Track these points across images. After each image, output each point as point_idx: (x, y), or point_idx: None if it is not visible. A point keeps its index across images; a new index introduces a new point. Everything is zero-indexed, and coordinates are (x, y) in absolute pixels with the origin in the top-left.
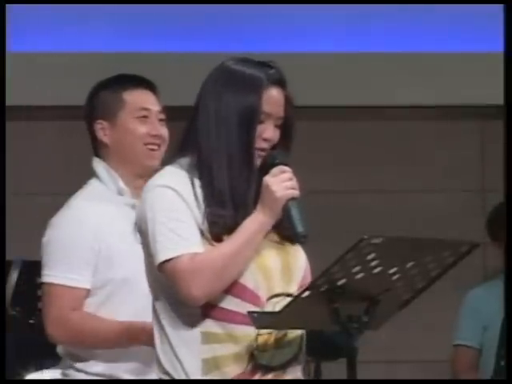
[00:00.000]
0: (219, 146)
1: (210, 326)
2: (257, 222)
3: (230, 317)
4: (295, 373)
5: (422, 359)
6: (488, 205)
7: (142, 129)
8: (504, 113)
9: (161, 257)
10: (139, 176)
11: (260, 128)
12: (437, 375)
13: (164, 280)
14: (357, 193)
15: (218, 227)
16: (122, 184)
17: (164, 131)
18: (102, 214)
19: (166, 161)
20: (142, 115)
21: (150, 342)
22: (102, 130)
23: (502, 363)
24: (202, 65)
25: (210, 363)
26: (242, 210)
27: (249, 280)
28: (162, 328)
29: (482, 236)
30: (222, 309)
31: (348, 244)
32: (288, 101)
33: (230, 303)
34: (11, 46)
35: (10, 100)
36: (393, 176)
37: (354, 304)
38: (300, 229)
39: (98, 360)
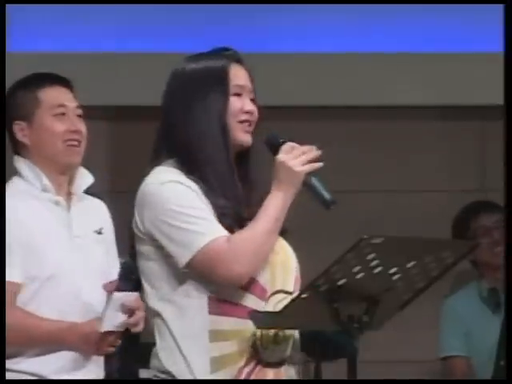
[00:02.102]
0: (199, 142)
1: (217, 323)
2: (280, 198)
3: (239, 311)
4: (289, 371)
5: (422, 359)
6: None
7: (60, 126)
8: (504, 113)
9: (196, 245)
10: (61, 173)
11: (239, 101)
12: (437, 375)
13: (177, 276)
14: (357, 193)
15: (228, 218)
16: (46, 181)
17: (82, 127)
18: (27, 211)
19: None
20: (59, 112)
21: (81, 345)
22: (21, 131)
23: (502, 363)
24: None
25: (219, 361)
26: (233, 198)
27: (259, 274)
28: (165, 326)
29: None
30: (232, 303)
31: (348, 244)
32: (249, 77)
33: (241, 297)
34: (11, 46)
35: None
36: (393, 176)
37: (354, 304)
38: (327, 196)
39: (23, 357)
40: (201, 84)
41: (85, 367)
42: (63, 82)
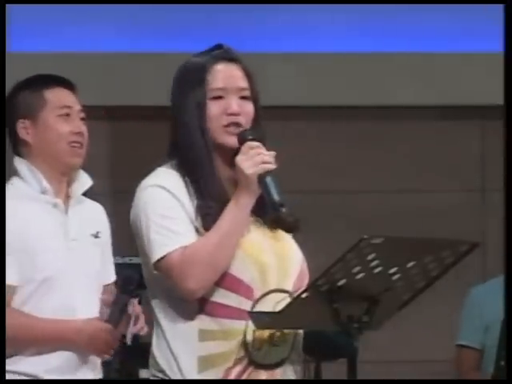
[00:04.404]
0: (185, 141)
1: (207, 323)
2: (237, 204)
3: (226, 312)
4: (286, 372)
5: (422, 359)
6: (488, 205)
7: (65, 127)
8: (504, 113)
9: (154, 255)
10: (62, 174)
11: (222, 104)
12: (437, 375)
13: (161, 277)
14: (357, 193)
15: (210, 219)
16: (45, 183)
17: (85, 129)
18: (24, 213)
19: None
20: (64, 113)
21: (83, 345)
22: (25, 129)
23: (502, 363)
24: None
25: (206, 361)
26: (220, 198)
27: (244, 274)
28: (158, 325)
29: (482, 236)
30: (219, 304)
31: (348, 244)
32: (245, 74)
33: (226, 298)
34: (11, 46)
35: None
36: (393, 176)
37: (354, 304)
38: (276, 198)
39: (20, 357)
40: (184, 85)
41: (81, 368)
42: (68, 84)
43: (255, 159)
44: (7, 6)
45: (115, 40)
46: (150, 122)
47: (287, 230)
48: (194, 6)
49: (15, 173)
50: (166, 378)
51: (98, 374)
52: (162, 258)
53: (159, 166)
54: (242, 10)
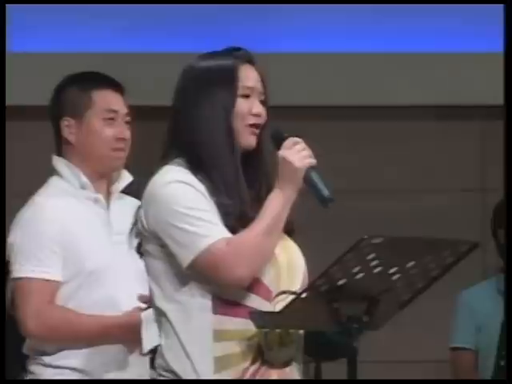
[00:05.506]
0: (205, 141)
1: (222, 323)
2: (281, 196)
3: (243, 312)
4: (293, 371)
5: (422, 359)
6: (488, 205)
7: (109, 132)
8: (504, 113)
9: (196, 247)
10: (102, 175)
11: (247, 103)
12: (437, 375)
13: (189, 274)
14: (357, 193)
15: (231, 217)
16: (84, 178)
17: (128, 134)
18: (66, 209)
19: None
20: (109, 117)
21: (131, 338)
22: (68, 128)
23: (502, 363)
24: None
25: (223, 361)
26: (238, 198)
27: (264, 275)
28: (170, 326)
29: (482, 235)
30: (236, 304)
31: (348, 244)
32: (261, 78)
33: (248, 299)
34: (11, 46)
35: (10, 100)
36: (393, 176)
37: (354, 304)
38: (326, 193)
39: (68, 352)
40: (209, 83)
41: (129, 365)
42: (117, 86)
43: (302, 153)
44: (7, 6)
45: (115, 40)
46: (150, 122)
47: (285, 232)
48: (195, 6)
49: (54, 172)
50: (175, 378)
51: (146, 373)
52: (203, 251)
53: (160, 165)
54: (243, 9)
